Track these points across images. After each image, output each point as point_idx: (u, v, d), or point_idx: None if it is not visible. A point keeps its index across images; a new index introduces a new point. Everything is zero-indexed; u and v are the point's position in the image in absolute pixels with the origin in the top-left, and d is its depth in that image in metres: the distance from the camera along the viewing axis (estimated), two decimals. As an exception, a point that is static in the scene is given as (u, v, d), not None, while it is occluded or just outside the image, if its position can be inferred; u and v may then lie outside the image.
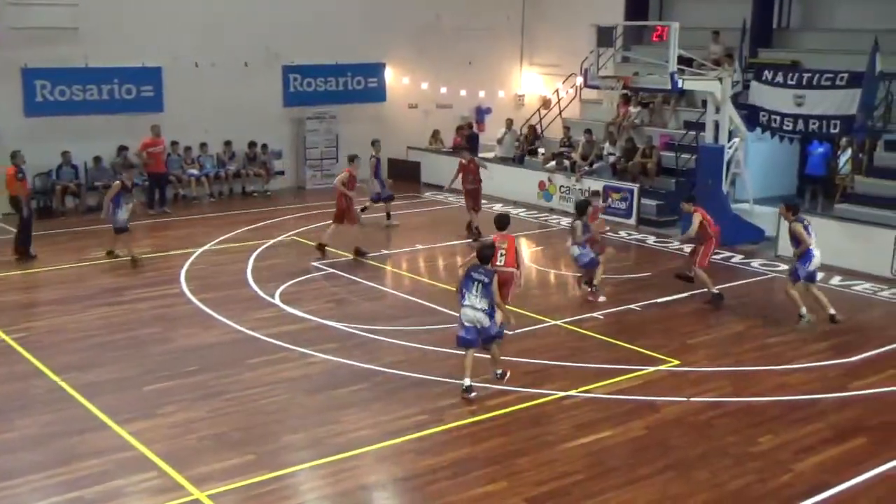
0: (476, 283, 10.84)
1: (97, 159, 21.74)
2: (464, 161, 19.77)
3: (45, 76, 21.06)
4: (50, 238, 18.89)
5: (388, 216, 20.32)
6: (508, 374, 11.43)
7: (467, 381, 10.88)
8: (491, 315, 10.87)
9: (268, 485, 8.84)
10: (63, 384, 11.21)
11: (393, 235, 19.63)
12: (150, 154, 21.40)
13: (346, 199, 17.42)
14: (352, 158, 18.28)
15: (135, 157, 21.79)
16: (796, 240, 13.89)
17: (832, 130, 18.73)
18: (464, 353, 11.02)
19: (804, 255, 13.74)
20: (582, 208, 15.05)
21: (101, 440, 9.75)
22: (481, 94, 27.79)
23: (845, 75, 18.34)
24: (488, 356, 11.32)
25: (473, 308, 10.82)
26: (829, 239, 17.19)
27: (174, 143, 22.50)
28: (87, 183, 21.71)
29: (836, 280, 16.39)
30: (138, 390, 11.11)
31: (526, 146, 25.17)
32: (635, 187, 20.79)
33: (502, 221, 12.84)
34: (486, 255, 11.10)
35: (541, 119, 26.38)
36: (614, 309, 14.54)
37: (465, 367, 10.94)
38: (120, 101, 22.00)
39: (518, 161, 24.78)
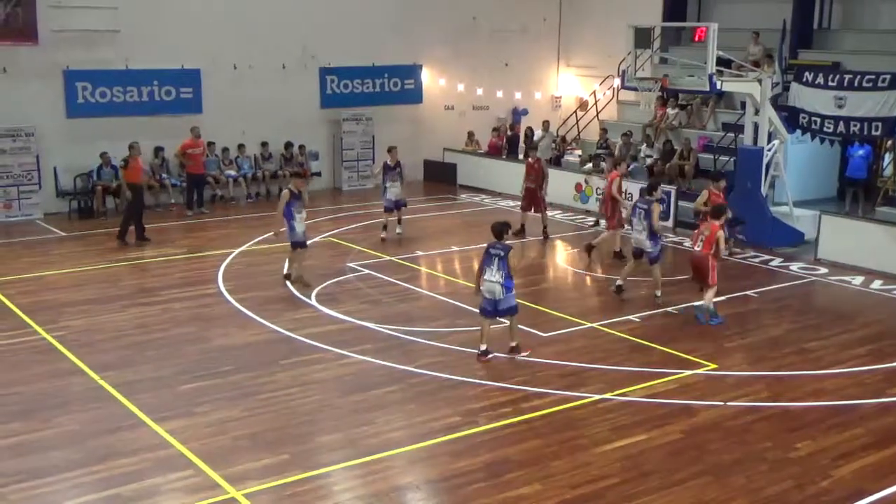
0: (494, 257, 11.88)
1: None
2: (531, 160, 19.90)
3: (87, 78, 21.36)
4: (89, 238, 19.15)
5: (399, 222, 19.38)
6: (525, 352, 12.32)
7: (483, 347, 12.15)
8: (507, 287, 11.90)
9: (302, 484, 8.88)
10: (102, 382, 11.34)
11: (409, 241, 19.34)
12: (188, 155, 21.60)
13: None
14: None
15: (174, 158, 22.10)
16: (651, 219, 14.46)
17: (874, 132, 18.48)
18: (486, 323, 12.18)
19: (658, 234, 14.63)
20: (653, 187, 15.27)
21: (138, 438, 9.85)
22: (518, 95, 27.76)
23: (887, 77, 18.08)
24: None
25: (491, 281, 11.90)
26: (869, 242, 17.05)
27: (211, 144, 22.69)
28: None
29: (876, 284, 16.16)
30: (175, 389, 11.21)
31: (563, 147, 25.12)
32: (672, 189, 20.64)
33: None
34: (499, 230, 12.12)
35: (577, 121, 26.28)
36: (650, 312, 14.44)
37: (482, 334, 12.15)
38: (159, 103, 22.27)
39: (554, 163, 24.70)
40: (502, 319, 12.34)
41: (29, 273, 16.46)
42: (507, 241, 12.16)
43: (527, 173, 19.72)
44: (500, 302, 11.96)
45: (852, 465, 9.41)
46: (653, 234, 14.58)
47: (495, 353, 12.24)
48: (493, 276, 11.87)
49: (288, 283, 15.46)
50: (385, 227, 19.14)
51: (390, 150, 19.14)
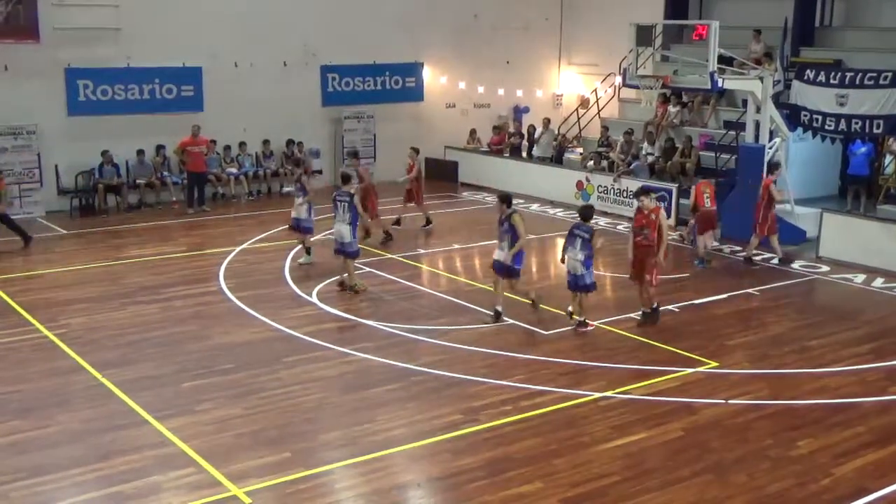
0: (577, 238, 13.12)
1: (140, 152, 22.11)
2: (410, 161, 20.19)
3: (88, 76, 21.35)
4: (90, 236, 19.16)
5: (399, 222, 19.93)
6: (590, 326, 13.34)
7: (570, 308, 13.54)
8: (587, 266, 13.11)
9: (304, 482, 8.88)
10: (103, 380, 11.35)
11: (411, 238, 19.42)
12: (189, 153, 21.60)
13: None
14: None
15: (173, 155, 22.12)
16: (514, 233, 13.23)
17: (875, 130, 18.46)
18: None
19: (520, 252, 13.51)
20: (588, 216, 13.83)
21: (140, 436, 9.85)
22: (519, 93, 27.74)
23: (889, 74, 18.06)
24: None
25: (574, 259, 13.12)
26: (871, 240, 17.03)
27: (212, 142, 22.68)
28: (128, 181, 22.00)
29: (878, 282, 16.15)
30: (176, 387, 11.22)
31: (565, 144, 25.12)
32: (674, 187, 20.62)
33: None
34: (585, 214, 13.35)
35: (579, 118, 26.27)
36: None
37: (574, 308, 13.46)
38: (161, 101, 22.26)
39: (555, 161, 24.69)
40: (577, 295, 13.37)
41: (30, 271, 16.48)
42: (591, 225, 13.25)
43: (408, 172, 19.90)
44: (578, 278, 13.15)
45: (854, 463, 9.40)
46: (588, 262, 13.27)
47: (586, 324, 13.35)
48: (577, 255, 13.09)
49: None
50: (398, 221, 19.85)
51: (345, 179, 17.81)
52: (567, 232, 13.53)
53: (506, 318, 13.65)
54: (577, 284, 13.29)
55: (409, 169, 19.80)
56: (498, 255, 13.51)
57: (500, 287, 13.71)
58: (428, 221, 20.19)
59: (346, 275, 15.19)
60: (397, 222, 19.84)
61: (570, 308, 13.59)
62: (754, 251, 17.38)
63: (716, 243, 18.22)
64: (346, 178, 15.79)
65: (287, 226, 17.52)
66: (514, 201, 20.98)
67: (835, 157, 22.01)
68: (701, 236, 17.35)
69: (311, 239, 17.22)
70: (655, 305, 13.82)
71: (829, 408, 10.82)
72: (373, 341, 12.84)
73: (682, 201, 20.38)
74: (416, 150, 20.43)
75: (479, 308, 14.24)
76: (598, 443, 9.79)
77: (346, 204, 15.01)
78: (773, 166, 17.69)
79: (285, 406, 10.70)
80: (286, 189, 23.83)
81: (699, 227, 17.42)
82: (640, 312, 13.81)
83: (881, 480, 9.04)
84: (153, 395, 10.92)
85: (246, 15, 23.00)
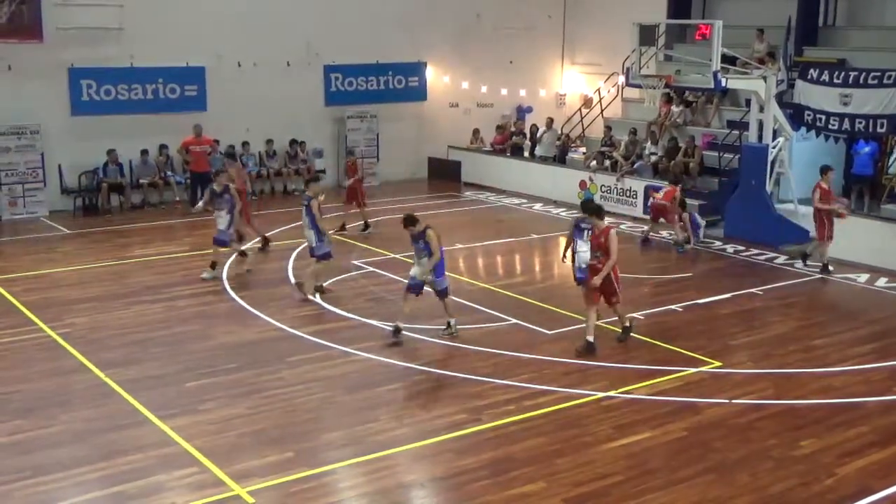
0: (584, 230, 13.11)
1: (144, 152, 22.13)
2: (349, 161, 20.17)
3: (92, 76, 21.35)
4: (94, 235, 19.17)
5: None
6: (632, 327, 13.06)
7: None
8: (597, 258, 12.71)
9: (307, 482, 8.88)
10: (106, 379, 11.35)
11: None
12: (192, 153, 21.61)
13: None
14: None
15: (176, 154, 22.14)
16: (429, 249, 12.64)
17: (879, 130, 18.44)
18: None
19: (440, 266, 12.91)
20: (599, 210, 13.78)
21: (143, 435, 9.86)
22: (522, 93, 27.72)
23: (893, 73, 18.03)
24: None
25: (583, 252, 13.10)
26: (875, 240, 17.01)
27: (216, 141, 22.68)
28: (131, 181, 22.02)
29: (882, 282, 16.12)
30: (179, 386, 11.22)
31: (568, 144, 25.10)
32: (677, 187, 20.57)
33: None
34: (590, 208, 13.01)
35: (582, 118, 26.25)
36: (655, 309, 14.42)
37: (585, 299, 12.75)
38: (164, 101, 22.25)
39: (558, 160, 24.67)
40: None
41: (34, 270, 16.49)
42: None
43: (348, 173, 19.73)
44: (584, 270, 13.01)
45: (857, 463, 9.38)
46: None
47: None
48: (584, 248, 13.10)
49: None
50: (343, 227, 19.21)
51: (217, 174, 17.20)
52: (572, 226, 13.57)
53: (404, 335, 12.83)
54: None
55: (352, 171, 19.50)
56: (414, 271, 12.81)
57: (409, 305, 12.92)
58: (366, 226, 19.39)
59: (311, 278, 14.94)
60: (342, 228, 19.18)
61: (592, 321, 12.51)
62: (827, 258, 16.75)
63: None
64: (307, 183, 15.76)
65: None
66: (517, 200, 21.07)
67: (838, 156, 21.95)
68: (671, 224, 18.55)
69: (224, 251, 16.30)
70: (628, 324, 13.01)
71: (832, 407, 10.81)
72: (376, 341, 12.84)
73: (686, 201, 20.35)
74: (352, 152, 21.11)
75: (481, 308, 14.24)
76: (600, 442, 9.78)
77: (305, 208, 14.80)
78: (824, 169, 17.03)
79: (288, 406, 10.70)
80: (291, 187, 23.90)
81: (652, 215, 18.92)
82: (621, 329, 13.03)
83: (885, 480, 9.02)
84: (156, 395, 10.92)
85: (249, 15, 22.99)
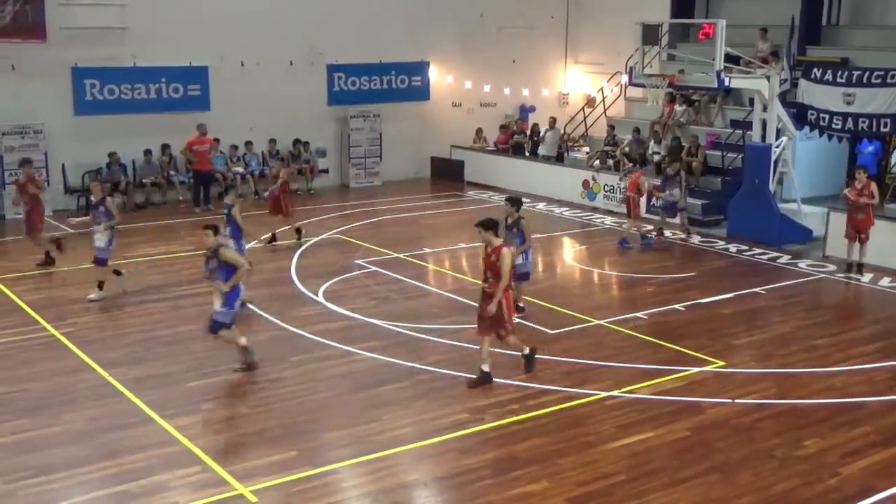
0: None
1: (147, 151, 22.16)
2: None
3: (95, 75, 21.37)
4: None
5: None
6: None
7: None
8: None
9: (310, 481, 8.89)
10: (110, 379, 11.37)
11: (417, 238, 19.43)
12: (195, 152, 21.63)
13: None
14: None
15: (180, 154, 22.16)
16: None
17: (882, 129, 18.42)
18: None
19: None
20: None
21: (146, 435, 9.87)
22: (525, 92, 27.72)
23: (896, 73, 18.03)
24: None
25: None
26: (879, 239, 16.96)
27: (216, 140, 22.69)
28: (135, 181, 22.04)
29: (885, 281, 16.11)
30: (182, 386, 11.24)
31: (565, 143, 25.10)
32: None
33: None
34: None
35: (585, 117, 26.24)
36: (658, 309, 14.41)
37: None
38: (167, 100, 22.28)
39: (560, 160, 24.66)
40: None
41: (37, 270, 16.49)
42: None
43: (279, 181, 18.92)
44: None
45: (861, 463, 9.38)
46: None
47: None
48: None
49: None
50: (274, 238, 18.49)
51: (93, 182, 16.34)
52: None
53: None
54: None
55: (275, 178, 18.87)
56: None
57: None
58: (299, 233, 18.56)
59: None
60: (272, 239, 18.46)
61: None
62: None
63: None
64: (226, 190, 15.68)
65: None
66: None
67: (842, 155, 21.95)
68: (629, 219, 18.92)
69: (105, 270, 15.08)
70: (528, 352, 11.40)
71: (835, 407, 10.80)
72: (379, 340, 12.84)
73: (689, 200, 20.37)
74: (283, 160, 21.46)
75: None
76: (603, 442, 9.78)
77: (225, 216, 14.49)
78: (858, 169, 16.97)
79: (291, 405, 10.71)
80: (293, 187, 23.90)
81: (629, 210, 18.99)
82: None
83: (888, 480, 9.02)
84: (159, 394, 10.93)
85: (252, 14, 23.00)
